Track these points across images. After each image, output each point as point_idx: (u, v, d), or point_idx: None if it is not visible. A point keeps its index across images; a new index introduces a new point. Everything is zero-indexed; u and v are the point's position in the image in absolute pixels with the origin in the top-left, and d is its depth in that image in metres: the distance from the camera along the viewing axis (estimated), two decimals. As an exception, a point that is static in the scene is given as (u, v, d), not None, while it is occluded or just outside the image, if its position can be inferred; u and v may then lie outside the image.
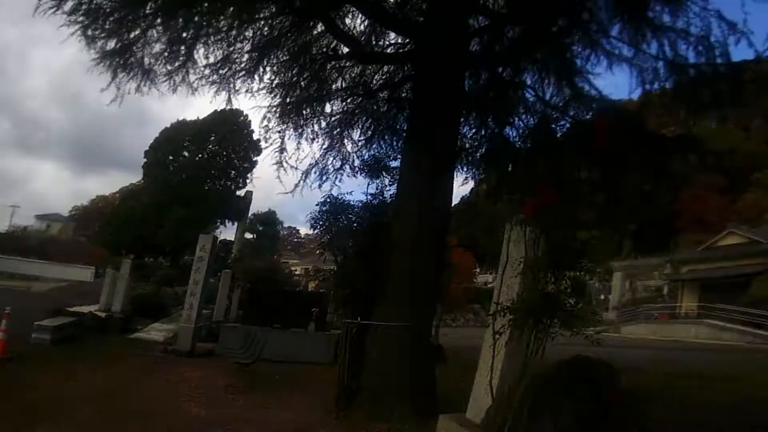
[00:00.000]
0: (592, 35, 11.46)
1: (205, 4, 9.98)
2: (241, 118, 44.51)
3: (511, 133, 12.90)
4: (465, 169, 13.84)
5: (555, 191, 5.89)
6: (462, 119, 12.48)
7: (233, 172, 46.10)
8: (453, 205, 12.19)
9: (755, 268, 34.22)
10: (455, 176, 12.21)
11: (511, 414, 5.43)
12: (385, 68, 13.73)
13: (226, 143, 45.36)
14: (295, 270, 56.67)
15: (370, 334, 9.08)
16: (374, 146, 14.14)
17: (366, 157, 13.52)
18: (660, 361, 18.17)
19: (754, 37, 9.21)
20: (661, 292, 47.61)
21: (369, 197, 10.00)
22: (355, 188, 44.15)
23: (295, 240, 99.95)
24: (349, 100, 13.89)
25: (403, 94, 13.55)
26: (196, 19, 10.49)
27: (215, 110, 40.95)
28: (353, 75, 13.86)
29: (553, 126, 11.53)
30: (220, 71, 12.32)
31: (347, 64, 13.40)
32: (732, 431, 8.60)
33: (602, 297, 50.62)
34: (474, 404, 6.95)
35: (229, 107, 13.56)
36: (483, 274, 50.89)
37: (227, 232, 47.99)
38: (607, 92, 18.25)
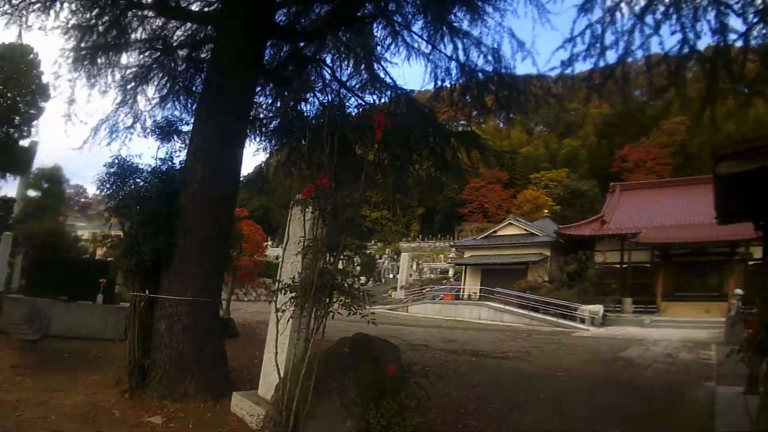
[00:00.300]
0: (396, 26, 11.92)
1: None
2: (31, 56, 39.77)
3: (306, 108, 12.86)
4: (258, 139, 13.55)
5: (330, 175, 6.06)
6: (259, 89, 12.37)
7: (17, 118, 41.20)
8: (244, 175, 12.03)
9: (531, 257, 39.40)
10: (248, 146, 12.08)
11: (298, 390, 5.54)
12: (189, 25, 12.99)
13: (12, 84, 40.33)
14: (83, 234, 52.56)
15: (158, 308, 8.72)
16: (168, 107, 13.49)
17: (159, 118, 12.68)
18: (445, 339, 19.69)
19: (539, 57, 10.21)
20: (447, 275, 50.50)
21: (158, 161, 9.50)
22: (146, 151, 41.61)
23: (83, 200, 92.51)
24: (147, 54, 12.98)
25: (202, 55, 12.92)
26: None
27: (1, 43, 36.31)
28: (155, 27, 12.92)
29: (347, 107, 11.80)
30: (14, 0, 11.10)
31: (149, 14, 12.43)
32: (499, 399, 9.73)
33: (391, 276, 52.83)
34: (264, 381, 7.04)
35: (19, 42, 12.17)
36: (274, 248, 50.96)
37: (8, 187, 42.96)
38: (403, 82, 19.16)
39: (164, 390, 8.11)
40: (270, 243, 46.52)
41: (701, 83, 8.47)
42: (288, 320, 6.15)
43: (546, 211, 57.49)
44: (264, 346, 7.61)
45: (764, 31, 7.76)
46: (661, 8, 8.35)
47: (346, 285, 5.86)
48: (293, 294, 5.89)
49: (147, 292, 8.63)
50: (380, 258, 61.52)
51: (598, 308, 31.51)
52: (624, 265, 37.24)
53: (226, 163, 9.45)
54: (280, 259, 6.90)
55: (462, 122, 14.42)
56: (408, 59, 12.27)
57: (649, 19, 8.38)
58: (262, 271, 23.32)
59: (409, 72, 76.41)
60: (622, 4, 8.68)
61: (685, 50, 8.20)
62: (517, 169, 76.31)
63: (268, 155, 15.13)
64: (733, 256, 32.78)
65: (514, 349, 17.77)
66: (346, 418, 5.65)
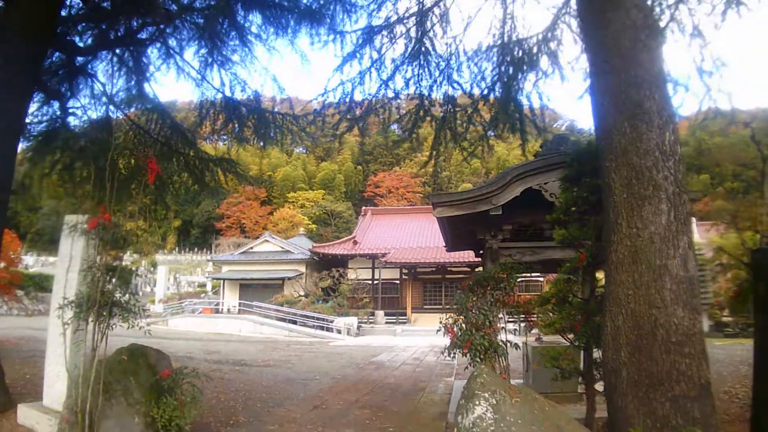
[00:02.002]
0: (170, 50, 12.41)
1: None
2: None
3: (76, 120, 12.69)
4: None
5: (110, 211, 6.78)
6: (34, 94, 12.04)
7: None
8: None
9: (287, 273, 40.61)
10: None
11: (89, 393, 6.08)
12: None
13: None
14: None
15: None
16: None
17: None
18: (208, 351, 20.12)
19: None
20: (205, 288, 49.62)
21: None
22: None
23: None
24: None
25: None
26: None
27: None
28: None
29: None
30: None
31: None
32: (263, 398, 10.89)
33: (149, 289, 50.71)
34: (49, 391, 7.26)
35: None
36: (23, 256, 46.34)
37: None
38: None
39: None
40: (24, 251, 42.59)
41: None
42: (75, 332, 6.67)
43: (302, 229, 59.07)
44: (30, 361, 7.78)
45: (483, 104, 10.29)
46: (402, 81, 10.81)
47: (123, 302, 6.62)
48: (78, 309, 6.47)
49: None
50: (136, 270, 56.63)
51: (353, 320, 33.98)
52: (375, 282, 40.56)
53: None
54: (60, 276, 7.16)
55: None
56: (178, 79, 12.93)
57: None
58: (17, 283, 21.51)
59: (178, 93, 74.44)
60: (371, 71, 10.87)
61: (421, 113, 10.72)
62: (275, 188, 77.63)
63: (29, 164, 14.41)
64: (472, 275, 37.18)
65: (274, 358, 18.91)
66: (133, 415, 6.36)
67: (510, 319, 9.08)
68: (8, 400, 8.39)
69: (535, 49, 10.59)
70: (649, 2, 6.21)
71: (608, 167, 5.52)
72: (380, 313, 38.15)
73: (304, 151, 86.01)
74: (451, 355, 6.87)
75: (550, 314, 7.35)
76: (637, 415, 4.96)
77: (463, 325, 6.81)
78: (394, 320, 37.81)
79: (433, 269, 39.24)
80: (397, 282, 41.51)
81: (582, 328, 6.51)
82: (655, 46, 5.61)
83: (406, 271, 40.37)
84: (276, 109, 13.06)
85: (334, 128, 11.77)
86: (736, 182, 62.39)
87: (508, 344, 7.49)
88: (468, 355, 6.58)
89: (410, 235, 42.94)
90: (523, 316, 8.44)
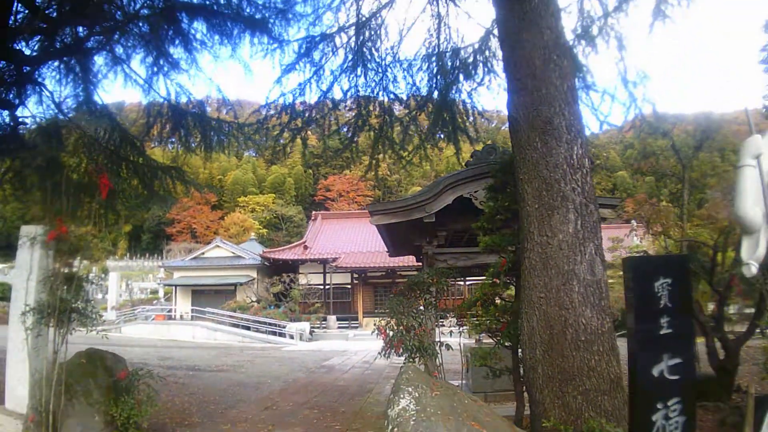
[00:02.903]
0: (116, 57, 12.51)
1: None
2: None
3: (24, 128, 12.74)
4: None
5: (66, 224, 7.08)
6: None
7: None
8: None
9: (239, 279, 40.56)
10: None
11: (52, 394, 6.41)
12: None
13: None
14: None
15: None
16: None
17: None
18: (162, 357, 20.32)
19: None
20: (157, 295, 49.09)
21: None
22: None
23: None
24: None
25: None
26: None
27: None
28: None
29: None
30: None
31: None
32: (216, 401, 11.22)
33: (100, 296, 49.84)
34: (11, 395, 7.56)
35: None
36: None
37: None
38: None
39: None
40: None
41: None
42: (36, 338, 6.95)
43: (253, 234, 59.11)
44: None
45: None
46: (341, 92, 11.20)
47: (80, 308, 7.03)
48: (39, 316, 6.78)
49: None
50: (87, 276, 55.72)
51: (305, 325, 34.24)
52: (327, 286, 40.80)
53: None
54: (18, 284, 7.40)
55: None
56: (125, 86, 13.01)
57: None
58: None
59: (126, 95, 73.52)
60: (311, 82, 11.33)
61: (360, 122, 11.15)
62: (225, 192, 76.89)
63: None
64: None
65: (228, 363, 19.14)
66: (93, 414, 6.73)
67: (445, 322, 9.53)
68: None
69: (470, 59, 11.06)
70: (563, 22, 6.58)
71: (522, 179, 5.91)
72: (332, 318, 38.45)
73: (254, 154, 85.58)
74: (387, 356, 7.22)
75: (476, 317, 7.77)
76: (553, 408, 5.31)
77: (395, 327, 7.18)
78: (347, 325, 38.23)
79: (383, 273, 39.53)
80: (349, 287, 41.76)
81: (506, 329, 6.94)
82: (566, 64, 5.99)
83: (356, 275, 40.71)
84: (222, 115, 13.28)
85: (276, 138, 12.10)
86: (680, 184, 64.09)
87: (441, 345, 7.91)
88: (402, 355, 6.96)
89: (361, 240, 43.10)
90: (456, 318, 8.83)
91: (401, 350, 6.97)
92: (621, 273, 5.61)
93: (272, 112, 11.67)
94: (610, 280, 9.34)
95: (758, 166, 4.52)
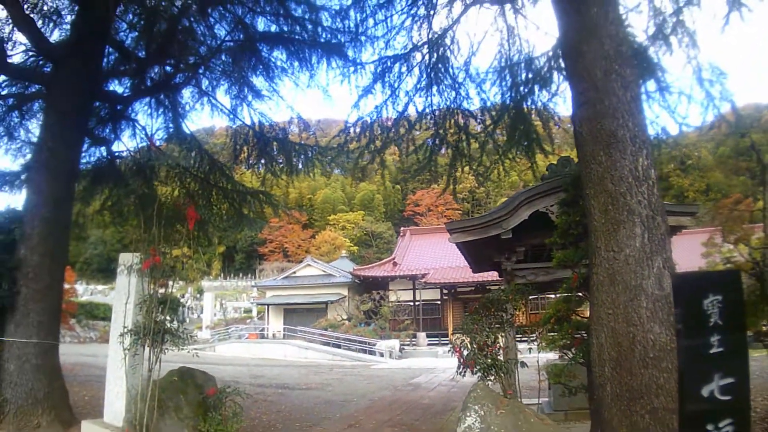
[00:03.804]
0: (202, 90, 13.24)
1: None
2: None
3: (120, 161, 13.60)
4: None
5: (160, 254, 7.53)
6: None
7: None
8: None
9: (330, 297, 41.11)
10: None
11: (146, 409, 6.85)
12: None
13: None
14: None
15: (6, 350, 9.23)
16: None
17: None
18: (253, 375, 20.92)
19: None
20: (250, 314, 50.31)
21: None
22: None
23: None
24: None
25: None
26: None
27: None
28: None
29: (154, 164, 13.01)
30: None
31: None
32: (302, 419, 11.36)
33: (195, 316, 51.64)
34: (109, 409, 7.99)
35: None
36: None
37: None
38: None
39: (19, 423, 8.82)
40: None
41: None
42: (134, 356, 7.43)
43: (344, 251, 59.43)
44: (87, 384, 8.47)
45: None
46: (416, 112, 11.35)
47: (173, 329, 7.44)
48: (136, 337, 7.27)
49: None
50: (183, 297, 59.00)
51: (394, 342, 34.43)
52: (416, 303, 40.74)
53: (60, 217, 10.13)
54: (118, 308, 7.91)
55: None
56: (212, 115, 13.85)
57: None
58: (72, 312, 22.60)
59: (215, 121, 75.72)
60: (387, 104, 11.54)
61: (437, 141, 11.28)
62: (315, 211, 78.11)
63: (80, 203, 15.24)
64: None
65: (316, 382, 19.53)
66: (183, 428, 7.13)
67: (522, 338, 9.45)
68: (72, 417, 9.46)
69: (545, 68, 10.90)
70: (634, 22, 6.45)
71: (588, 194, 5.85)
72: (422, 335, 38.44)
73: (342, 172, 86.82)
74: (462, 374, 7.26)
75: (551, 333, 7.68)
76: (621, 427, 5.20)
77: (469, 345, 7.20)
78: (437, 341, 37.78)
79: (473, 288, 38.75)
80: (438, 303, 41.59)
81: (579, 345, 6.82)
82: (628, 73, 5.85)
83: (446, 291, 40.44)
84: (305, 136, 13.86)
85: (356, 160, 12.40)
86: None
87: (517, 363, 7.87)
88: (476, 373, 6.98)
89: (450, 254, 42.44)
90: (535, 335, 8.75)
91: (474, 369, 6.98)
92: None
93: (351, 135, 11.93)
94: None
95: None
